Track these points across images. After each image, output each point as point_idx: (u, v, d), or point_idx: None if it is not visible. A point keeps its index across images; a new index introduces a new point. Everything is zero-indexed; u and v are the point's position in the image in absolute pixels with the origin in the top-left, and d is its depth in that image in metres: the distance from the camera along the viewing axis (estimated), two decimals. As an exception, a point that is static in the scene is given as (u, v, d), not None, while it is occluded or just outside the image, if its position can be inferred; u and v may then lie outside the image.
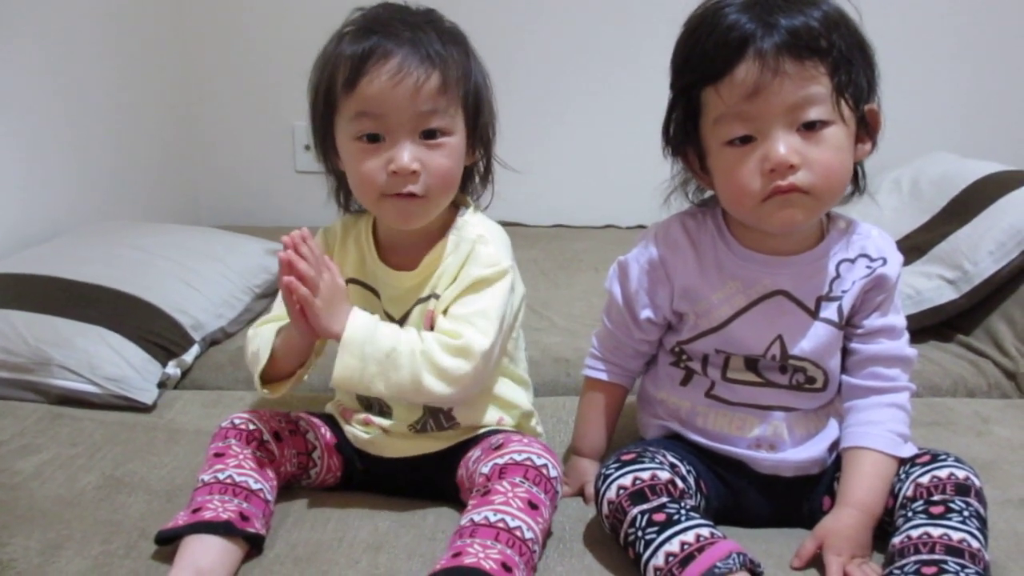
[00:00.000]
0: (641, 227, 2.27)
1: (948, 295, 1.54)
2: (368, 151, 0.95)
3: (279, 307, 1.04)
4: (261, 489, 0.96)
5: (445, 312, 0.98)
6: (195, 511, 0.91)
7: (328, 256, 1.02)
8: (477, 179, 1.06)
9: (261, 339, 1.02)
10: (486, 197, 1.08)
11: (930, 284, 1.56)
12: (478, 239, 0.99)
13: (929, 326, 1.55)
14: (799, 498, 1.01)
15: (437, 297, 1.00)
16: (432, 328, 0.98)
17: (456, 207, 1.05)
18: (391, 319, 1.02)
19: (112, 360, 1.30)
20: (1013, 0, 2.19)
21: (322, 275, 0.93)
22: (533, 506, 0.88)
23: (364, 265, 1.05)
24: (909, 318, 1.03)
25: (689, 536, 0.84)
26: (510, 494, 0.88)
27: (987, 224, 1.56)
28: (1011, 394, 1.43)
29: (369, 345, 0.93)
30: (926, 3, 2.16)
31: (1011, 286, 1.54)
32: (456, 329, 0.95)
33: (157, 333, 1.40)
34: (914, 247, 1.62)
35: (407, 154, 0.94)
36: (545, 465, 0.92)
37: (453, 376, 0.93)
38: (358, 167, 0.96)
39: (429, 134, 0.95)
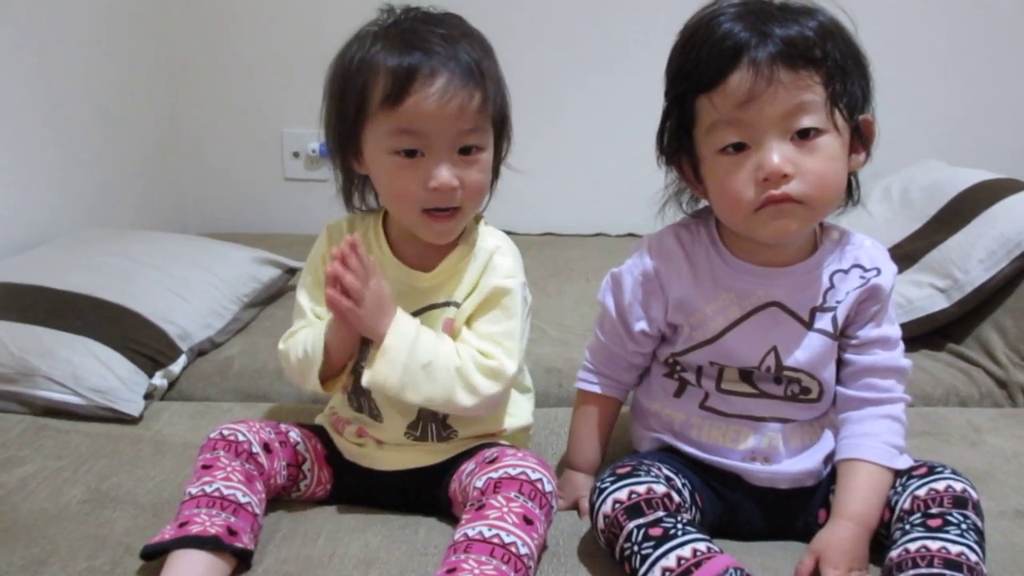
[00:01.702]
0: (631, 235, 2.28)
1: (939, 304, 1.54)
2: (406, 166, 0.95)
3: (299, 321, 1.06)
4: (249, 502, 0.94)
5: (468, 324, 1.00)
6: (182, 525, 0.89)
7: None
8: None
9: (310, 340, 1.01)
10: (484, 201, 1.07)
11: (921, 293, 1.56)
12: (496, 250, 1.01)
13: (920, 335, 1.55)
14: (795, 511, 1.00)
15: (457, 306, 1.00)
16: (450, 333, 1.00)
17: None
18: None
19: (97, 371, 1.28)
20: (1002, 10, 2.20)
21: (368, 283, 0.94)
22: (528, 521, 0.87)
23: None
24: (900, 327, 1.03)
25: (686, 551, 0.83)
26: (505, 509, 0.87)
27: (978, 232, 1.56)
28: (1003, 403, 1.43)
29: (408, 355, 0.94)
30: (916, 13, 2.17)
31: (1002, 295, 1.54)
32: (489, 350, 0.97)
33: (143, 343, 1.37)
34: (905, 255, 1.61)
35: (447, 171, 0.94)
36: (540, 479, 0.91)
37: (483, 394, 0.96)
38: (395, 181, 0.96)
39: (465, 149, 0.95)
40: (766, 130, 0.88)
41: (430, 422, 1.03)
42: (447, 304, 1.01)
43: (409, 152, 0.94)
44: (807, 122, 0.88)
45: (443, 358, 0.96)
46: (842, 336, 0.99)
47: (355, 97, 0.95)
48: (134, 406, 1.28)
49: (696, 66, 0.91)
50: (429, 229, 0.98)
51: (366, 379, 0.95)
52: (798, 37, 0.88)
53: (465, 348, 0.98)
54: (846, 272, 0.98)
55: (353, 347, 1.01)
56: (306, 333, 1.03)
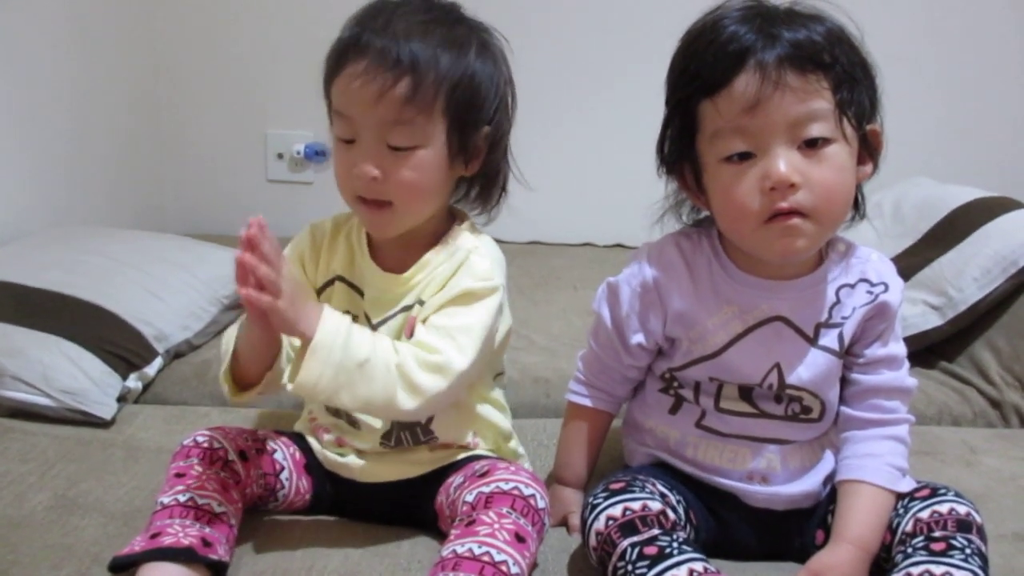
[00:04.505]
0: (620, 246, 2.25)
1: (933, 321, 1.52)
2: (342, 149, 0.93)
3: None
4: (225, 513, 0.90)
5: (425, 321, 0.93)
6: (153, 536, 0.85)
7: (315, 252, 1.01)
8: (474, 193, 1.00)
9: (226, 337, 0.96)
10: (486, 215, 1.03)
11: (914, 310, 1.54)
12: (473, 250, 0.95)
13: (912, 353, 1.53)
14: (791, 531, 0.97)
15: (422, 304, 0.95)
16: (411, 335, 0.93)
17: (455, 218, 1.01)
18: (368, 322, 0.98)
19: (69, 371, 1.23)
20: (991, 28, 2.21)
21: (282, 272, 0.83)
22: (520, 539, 0.83)
23: (353, 263, 1.00)
24: (894, 344, 1.00)
25: (682, 571, 0.80)
26: (496, 525, 0.83)
27: (972, 250, 1.54)
28: (996, 423, 1.41)
29: (341, 352, 0.85)
30: (906, 30, 2.17)
31: (995, 313, 1.52)
32: (435, 344, 0.89)
33: (118, 344, 1.33)
34: (898, 272, 1.60)
35: (369, 161, 0.90)
36: (533, 495, 0.87)
37: (426, 393, 0.88)
38: (335, 163, 0.94)
39: (395, 147, 0.91)
40: (773, 138, 0.85)
41: (403, 431, 0.98)
42: (417, 303, 0.96)
43: (346, 140, 0.92)
44: (815, 131, 0.85)
45: (381, 354, 0.87)
46: (847, 354, 0.96)
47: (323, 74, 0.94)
48: (106, 409, 1.23)
49: (700, 69, 0.88)
50: (362, 217, 0.95)
51: (293, 382, 0.85)
52: (806, 40, 0.85)
53: (404, 344, 0.90)
54: (852, 287, 0.95)
55: (266, 351, 0.92)
56: (231, 328, 0.97)
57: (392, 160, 0.90)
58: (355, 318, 0.98)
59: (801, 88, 0.85)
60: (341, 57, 0.90)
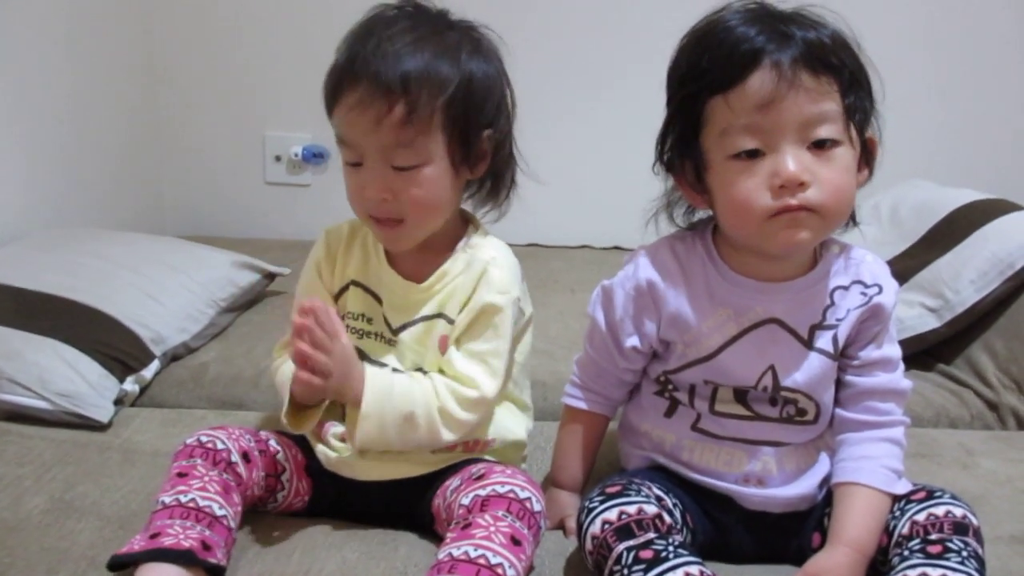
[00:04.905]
0: (617, 248, 2.25)
1: (930, 324, 1.52)
2: (351, 173, 0.95)
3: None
4: (225, 515, 0.90)
5: (458, 341, 0.97)
6: (153, 536, 0.85)
7: (331, 258, 1.03)
8: (485, 192, 1.02)
9: (281, 378, 1.01)
10: (497, 211, 1.04)
11: (911, 312, 1.54)
12: (491, 261, 0.97)
13: (909, 355, 1.53)
14: (788, 534, 0.97)
15: (450, 321, 0.97)
16: (443, 351, 0.97)
17: (467, 221, 1.03)
18: (389, 327, 1.00)
19: (65, 374, 1.23)
20: (988, 29, 2.21)
21: (335, 350, 0.90)
22: (516, 542, 0.83)
23: (368, 268, 1.02)
24: (890, 347, 1.00)
25: (678, 575, 0.80)
26: (492, 528, 0.83)
27: (969, 253, 1.55)
28: (993, 425, 1.42)
29: (388, 413, 0.93)
30: (903, 32, 2.17)
31: (992, 316, 1.52)
32: (471, 375, 0.95)
33: (115, 347, 1.33)
34: (895, 275, 1.56)
35: (377, 182, 0.92)
36: (529, 498, 0.88)
37: (467, 426, 0.96)
38: (347, 186, 0.96)
39: (399, 167, 0.93)
40: (783, 136, 0.86)
41: None
42: (440, 316, 0.98)
43: (353, 163, 0.94)
44: (825, 132, 0.86)
45: (422, 405, 0.94)
46: (842, 356, 0.96)
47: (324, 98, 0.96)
48: (103, 412, 1.23)
49: (712, 66, 0.88)
50: (376, 234, 0.98)
51: (355, 442, 0.94)
52: (817, 41, 0.86)
53: (442, 382, 0.95)
54: (847, 288, 0.95)
55: (320, 398, 0.98)
56: (285, 370, 1.00)
57: (399, 180, 0.92)
58: (371, 321, 1.01)
59: (815, 89, 0.85)
60: (338, 85, 0.92)
